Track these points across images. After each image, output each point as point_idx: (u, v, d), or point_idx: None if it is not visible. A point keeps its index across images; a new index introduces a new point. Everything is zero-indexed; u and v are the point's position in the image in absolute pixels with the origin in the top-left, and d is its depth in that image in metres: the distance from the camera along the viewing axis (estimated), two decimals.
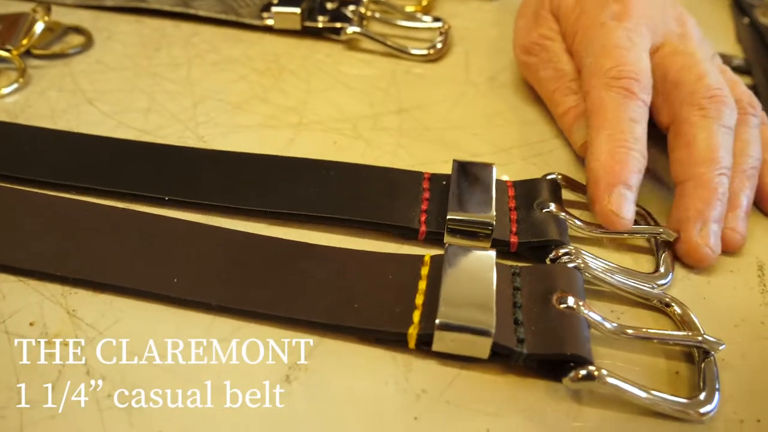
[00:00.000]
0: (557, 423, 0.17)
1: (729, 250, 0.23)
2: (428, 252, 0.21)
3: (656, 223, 0.24)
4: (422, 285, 0.19)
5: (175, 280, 0.20)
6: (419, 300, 0.19)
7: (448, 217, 0.21)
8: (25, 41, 0.31)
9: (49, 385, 0.17)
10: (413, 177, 0.24)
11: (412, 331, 0.18)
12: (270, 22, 0.34)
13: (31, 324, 0.19)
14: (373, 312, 0.19)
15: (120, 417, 0.17)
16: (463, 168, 0.23)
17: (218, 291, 0.19)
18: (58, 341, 0.18)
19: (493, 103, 0.31)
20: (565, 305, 0.19)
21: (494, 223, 0.21)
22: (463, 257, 0.20)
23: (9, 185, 0.23)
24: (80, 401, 0.17)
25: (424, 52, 0.34)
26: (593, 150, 0.23)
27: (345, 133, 0.28)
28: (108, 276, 0.20)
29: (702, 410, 0.18)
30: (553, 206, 0.23)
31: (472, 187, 0.22)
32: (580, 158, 0.28)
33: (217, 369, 0.18)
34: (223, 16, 0.35)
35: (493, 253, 0.20)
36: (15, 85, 0.29)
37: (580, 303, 0.19)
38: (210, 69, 0.32)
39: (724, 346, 0.19)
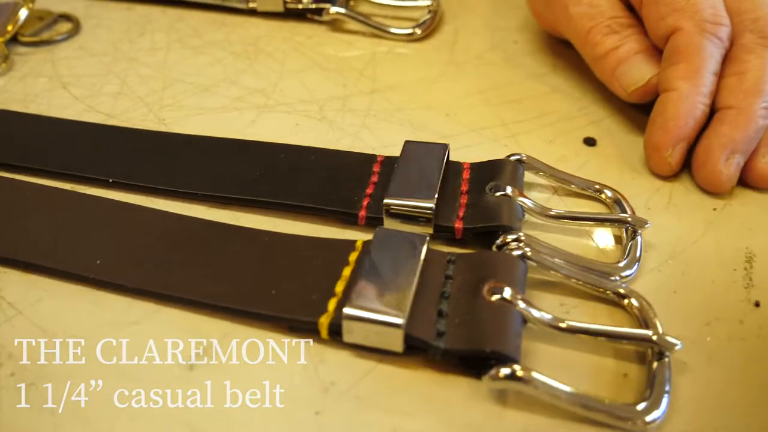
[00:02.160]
0: (473, 426, 0.16)
1: (765, 185, 0.23)
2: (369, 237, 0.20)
3: (632, 211, 0.21)
4: (347, 271, 0.18)
5: (98, 261, 0.19)
6: (339, 287, 0.18)
7: (384, 201, 0.20)
8: (9, 28, 0.31)
9: None
10: (364, 160, 0.23)
11: (324, 321, 0.17)
12: (253, 5, 0.34)
13: None
14: (289, 299, 0.18)
15: (18, 394, 0.16)
16: (413, 149, 0.22)
17: (137, 273, 0.19)
18: None
19: (473, 83, 0.29)
20: (498, 296, 0.17)
21: (433, 207, 0.19)
22: (393, 241, 0.18)
23: None
24: None
25: (409, 31, 0.32)
26: (672, 98, 0.23)
27: (310, 115, 0.27)
28: (32, 256, 0.19)
29: (647, 418, 0.16)
30: (509, 189, 0.21)
31: (419, 170, 0.21)
32: (557, 139, 0.25)
33: (108, 350, 0.17)
34: (209, 1, 0.35)
35: (425, 238, 0.18)
36: None
37: (516, 294, 0.17)
38: (188, 53, 0.31)
39: (680, 345, 0.17)
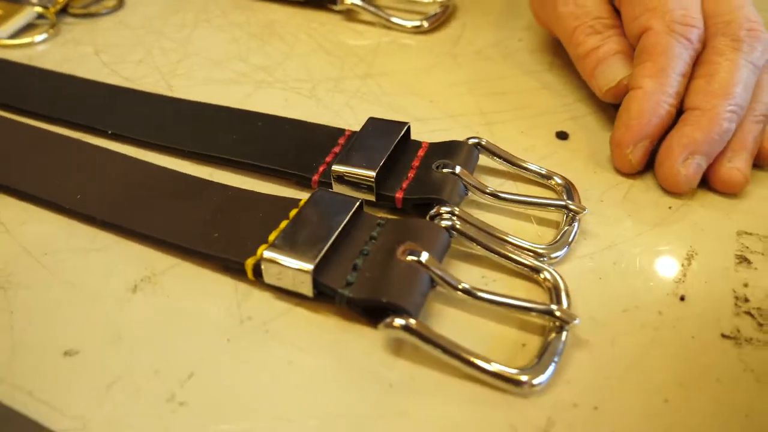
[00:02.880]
0: (363, 369, 0.17)
1: (731, 190, 0.23)
2: None
3: (578, 199, 0.22)
4: (283, 224, 0.20)
5: (78, 196, 0.22)
6: (272, 236, 0.19)
7: (332, 167, 0.21)
8: (61, 0, 0.35)
9: None
10: (331, 132, 0.24)
11: (249, 262, 0.19)
12: None
13: None
14: (227, 243, 0.20)
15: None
16: (375, 125, 0.23)
17: (107, 209, 0.21)
18: None
19: (465, 74, 0.30)
20: (412, 258, 0.18)
21: (374, 176, 0.21)
22: (327, 201, 0.20)
23: None
24: None
25: (417, 23, 0.33)
26: (636, 96, 0.23)
27: (301, 93, 0.29)
28: (27, 187, 0.22)
29: (527, 380, 0.16)
30: (457, 168, 0.22)
31: (373, 143, 0.22)
32: (530, 131, 0.26)
33: (82, 269, 0.20)
34: None
35: (355, 201, 0.20)
36: (45, 36, 0.33)
37: (428, 258, 0.18)
38: (210, 32, 0.34)
39: (578, 320, 0.17)
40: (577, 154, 0.25)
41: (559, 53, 0.31)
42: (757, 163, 0.24)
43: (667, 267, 0.20)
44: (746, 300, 0.19)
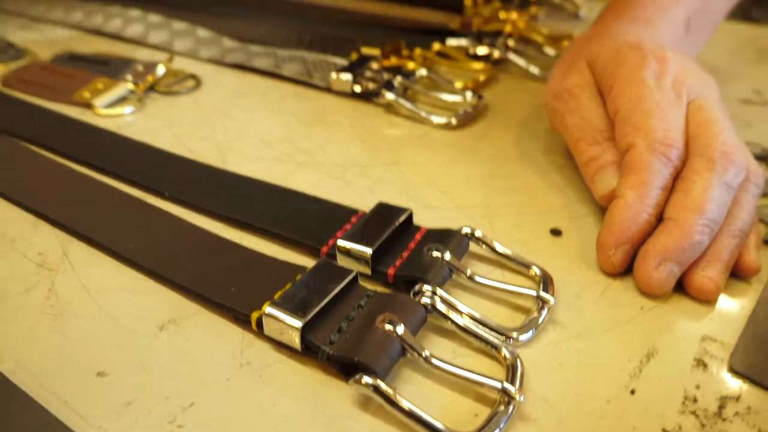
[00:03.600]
0: (334, 418, 0.20)
1: (704, 297, 0.25)
2: None
3: (552, 291, 0.25)
4: (288, 286, 0.23)
5: (131, 246, 0.26)
6: (277, 295, 0.23)
7: (338, 242, 0.25)
8: (149, 79, 0.42)
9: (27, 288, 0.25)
10: (347, 212, 0.28)
11: (254, 315, 0.22)
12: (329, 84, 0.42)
13: (39, 253, 0.27)
14: (240, 297, 0.23)
15: (51, 318, 0.23)
16: (382, 209, 0.27)
17: (152, 259, 0.26)
18: (47, 269, 0.26)
19: (481, 170, 0.34)
20: (389, 327, 0.21)
21: (370, 253, 0.24)
22: (328, 270, 0.23)
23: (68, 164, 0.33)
24: (36, 303, 0.24)
25: (446, 121, 0.38)
26: (619, 204, 0.26)
27: (333, 174, 0.33)
28: (94, 234, 0.27)
29: None
30: (447, 254, 0.25)
31: (377, 225, 0.26)
32: (527, 226, 0.29)
33: (124, 307, 0.24)
34: (299, 77, 0.43)
35: (351, 272, 0.23)
36: (132, 108, 0.40)
37: (403, 329, 0.21)
38: (268, 115, 0.39)
39: (522, 398, 0.20)
40: (566, 251, 0.28)
41: (570, 156, 0.34)
42: (738, 275, 0.26)
43: (626, 362, 0.22)
44: (695, 401, 0.21)
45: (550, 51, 0.47)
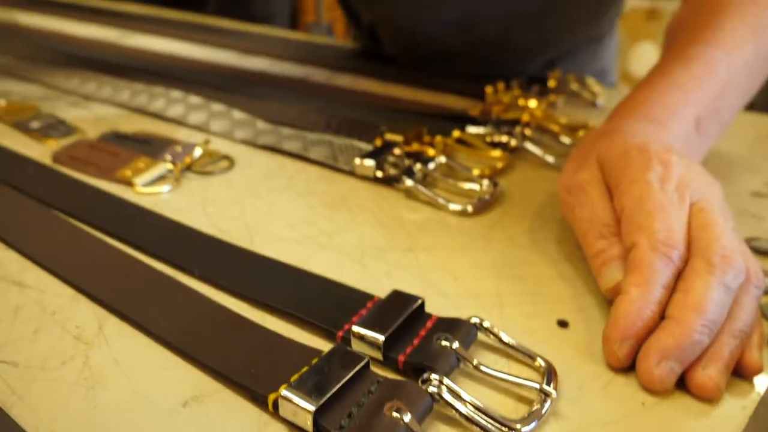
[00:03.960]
0: None
1: (704, 395, 0.25)
2: None
3: (555, 383, 0.26)
4: (305, 369, 0.25)
5: (161, 322, 0.28)
6: (294, 378, 0.24)
7: (353, 328, 0.27)
8: (187, 160, 0.45)
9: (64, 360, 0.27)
10: (362, 297, 0.30)
11: (271, 397, 0.24)
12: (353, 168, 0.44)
13: (76, 326, 0.29)
14: (259, 377, 0.25)
15: (84, 391, 0.25)
16: (396, 297, 0.29)
17: (180, 336, 0.28)
18: (83, 343, 0.28)
19: (493, 257, 0.35)
20: (396, 415, 0.23)
21: (383, 340, 0.26)
22: (341, 356, 0.25)
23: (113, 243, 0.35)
24: (70, 376, 0.26)
25: (461, 208, 0.40)
26: (624, 300, 0.27)
27: (352, 257, 0.35)
28: (128, 310, 0.29)
29: None
30: (456, 344, 0.26)
31: (391, 312, 0.28)
32: (536, 315, 0.30)
33: (152, 382, 0.26)
34: (324, 161, 0.46)
35: (363, 359, 0.25)
36: (169, 187, 0.43)
37: (409, 418, 0.23)
38: (293, 197, 0.42)
39: None
40: (572, 343, 0.29)
41: (580, 247, 0.36)
42: (741, 374, 0.27)
43: None
44: None
45: (566, 140, 0.50)
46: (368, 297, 0.30)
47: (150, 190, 0.42)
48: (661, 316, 0.27)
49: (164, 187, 0.43)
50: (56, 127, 0.53)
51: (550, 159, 0.47)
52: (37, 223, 0.38)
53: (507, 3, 0.62)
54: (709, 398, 0.26)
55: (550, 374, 0.26)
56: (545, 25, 0.64)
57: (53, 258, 0.34)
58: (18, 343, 0.28)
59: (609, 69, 0.76)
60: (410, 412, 0.23)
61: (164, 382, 0.26)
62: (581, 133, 0.51)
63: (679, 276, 0.28)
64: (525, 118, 0.52)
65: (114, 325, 0.29)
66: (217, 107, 0.56)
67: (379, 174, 0.43)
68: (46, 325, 0.29)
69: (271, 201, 0.41)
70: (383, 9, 0.67)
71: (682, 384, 0.26)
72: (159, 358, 0.27)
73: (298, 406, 0.23)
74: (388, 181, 0.43)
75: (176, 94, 0.59)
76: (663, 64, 0.40)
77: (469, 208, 0.40)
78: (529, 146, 0.48)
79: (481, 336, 0.28)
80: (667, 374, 0.26)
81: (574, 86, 0.63)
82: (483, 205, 0.40)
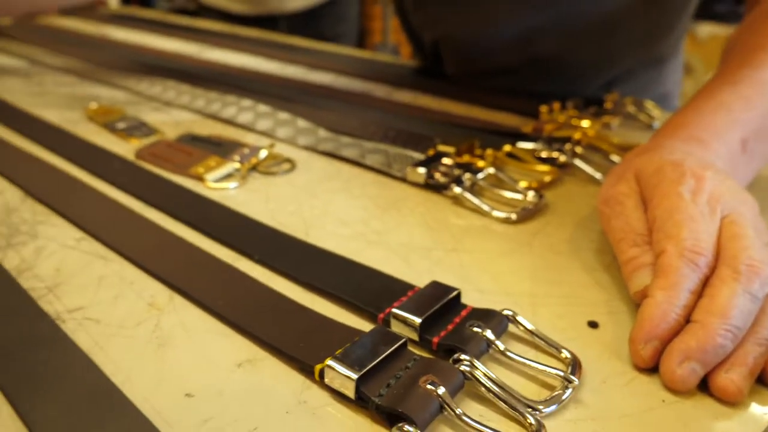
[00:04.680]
0: None
1: (726, 398, 0.26)
2: None
3: (579, 373, 0.27)
4: (348, 345, 0.28)
5: (220, 302, 0.32)
6: (338, 352, 0.27)
7: (392, 310, 0.29)
8: (253, 161, 0.49)
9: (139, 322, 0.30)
10: (404, 286, 0.33)
11: (317, 367, 0.27)
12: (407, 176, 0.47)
13: (151, 295, 0.33)
14: (307, 350, 0.28)
15: (155, 347, 0.29)
16: (434, 286, 0.31)
17: (236, 312, 0.31)
18: (156, 309, 0.32)
19: (532, 262, 0.37)
20: (431, 387, 0.25)
21: (419, 324, 0.28)
22: (381, 335, 0.28)
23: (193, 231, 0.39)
24: (144, 334, 0.30)
25: (506, 215, 0.42)
26: (650, 303, 0.29)
27: (398, 254, 0.38)
28: (193, 290, 0.33)
29: None
30: (488, 331, 0.29)
31: (428, 299, 0.30)
32: (567, 316, 0.32)
33: (213, 347, 0.29)
34: (380, 167, 0.49)
35: (400, 338, 0.27)
36: (236, 184, 0.47)
37: (442, 389, 0.25)
38: (348, 199, 0.45)
39: None
40: (600, 342, 0.30)
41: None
42: (766, 383, 0.28)
43: None
44: None
45: (616, 159, 0.51)
46: (409, 287, 0.33)
47: (219, 185, 0.46)
48: (687, 320, 0.28)
49: (231, 184, 0.47)
50: (139, 128, 0.58)
51: (598, 176, 0.48)
52: (119, 211, 0.42)
53: (565, 19, 0.63)
54: (731, 401, 0.27)
55: (574, 365, 0.28)
56: (603, 43, 0.66)
57: (130, 243, 0.38)
58: (101, 306, 0.32)
59: (671, 93, 0.75)
60: (443, 386, 0.25)
61: (222, 346, 0.29)
62: None
63: (706, 283, 0.29)
64: (577, 136, 0.54)
65: (181, 298, 0.33)
66: (283, 116, 0.60)
67: (430, 181, 0.45)
68: (125, 293, 0.33)
69: (327, 200, 0.45)
70: (444, 27, 0.70)
71: (705, 387, 0.27)
72: (219, 326, 0.31)
73: (342, 374, 0.25)
74: (438, 188, 0.46)
75: (247, 102, 0.63)
76: (711, 84, 0.41)
77: (513, 216, 0.42)
78: (579, 163, 0.50)
79: (512, 328, 0.30)
80: (689, 375, 0.27)
81: (631, 108, 0.64)
82: (527, 214, 0.42)
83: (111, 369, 0.27)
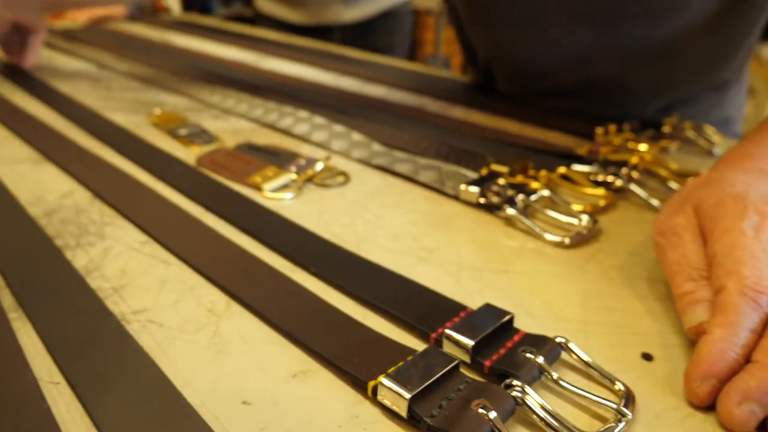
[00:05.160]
0: None
1: None
2: None
3: (632, 407, 0.27)
4: (401, 363, 0.28)
5: (277, 312, 0.33)
6: (391, 369, 0.28)
7: (445, 331, 0.30)
8: (309, 172, 0.50)
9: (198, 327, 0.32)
10: (457, 307, 0.33)
11: (370, 384, 0.27)
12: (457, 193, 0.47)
13: (210, 301, 0.34)
14: (360, 366, 0.28)
15: (213, 353, 0.30)
16: (487, 309, 0.31)
17: (291, 324, 0.32)
18: (215, 315, 0.33)
19: (585, 288, 0.37)
20: (483, 411, 0.25)
21: (472, 345, 0.29)
22: (434, 355, 0.28)
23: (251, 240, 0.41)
24: (203, 339, 0.31)
25: (559, 239, 0.42)
26: (708, 340, 0.28)
27: (449, 272, 0.38)
28: (250, 299, 0.34)
29: None
30: (540, 358, 0.29)
31: (482, 322, 0.30)
32: (621, 345, 0.32)
33: (270, 358, 0.30)
34: (432, 184, 0.50)
35: (454, 360, 0.28)
36: (292, 195, 0.48)
37: (494, 415, 0.25)
38: (399, 213, 0.46)
39: None
40: (654, 376, 0.30)
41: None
42: None
43: None
44: None
45: (674, 185, 0.50)
46: (462, 307, 0.33)
47: (275, 195, 0.48)
48: (746, 360, 0.28)
49: (287, 194, 0.48)
50: (200, 135, 0.60)
51: (654, 202, 0.48)
52: (180, 216, 0.44)
53: (623, 42, 0.62)
54: None
55: (628, 398, 0.27)
56: (662, 66, 0.64)
57: (191, 248, 0.39)
58: (163, 309, 0.33)
59: (734, 119, 0.73)
60: (495, 411, 0.25)
61: (278, 356, 0.30)
62: (690, 180, 0.51)
63: (767, 321, 0.28)
64: (634, 160, 0.53)
65: (238, 305, 0.34)
66: (338, 128, 0.61)
67: (482, 200, 0.46)
68: (185, 297, 0.35)
69: (379, 214, 0.45)
70: (499, 44, 0.70)
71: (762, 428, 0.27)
72: (274, 336, 0.32)
73: (396, 392, 0.26)
74: (490, 208, 0.46)
75: (303, 113, 0.65)
76: None
77: (567, 240, 0.41)
78: (634, 188, 0.49)
79: (564, 356, 0.30)
80: (748, 416, 0.26)
81: (690, 133, 0.62)
82: (580, 239, 0.42)
83: (172, 372, 0.29)
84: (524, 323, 0.33)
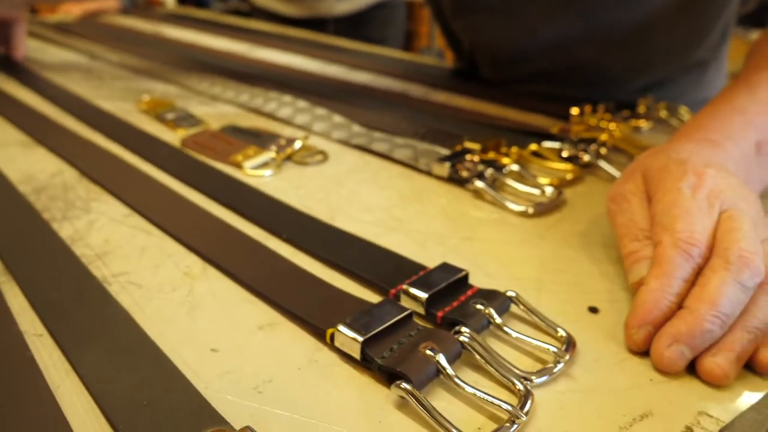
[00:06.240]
0: (372, 407, 0.26)
1: (712, 381, 0.28)
2: None
3: (572, 350, 0.29)
4: (357, 312, 0.30)
5: (248, 273, 0.35)
6: (349, 319, 0.30)
7: (402, 285, 0.32)
8: (288, 151, 0.52)
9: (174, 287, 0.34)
10: (416, 266, 0.35)
11: (329, 331, 0.29)
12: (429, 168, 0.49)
13: (186, 266, 0.36)
14: (322, 316, 0.31)
15: (187, 309, 0.32)
16: (444, 268, 0.34)
17: (262, 284, 0.34)
18: (190, 278, 0.35)
19: (543, 253, 0.39)
20: (430, 353, 0.28)
21: (425, 299, 0.31)
22: (389, 306, 0.30)
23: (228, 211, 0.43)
24: (178, 298, 0.33)
25: (523, 209, 0.44)
26: (644, 290, 0.30)
27: (416, 240, 0.40)
28: (224, 263, 0.36)
29: None
30: (491, 309, 0.31)
31: (437, 277, 0.32)
32: (571, 301, 0.34)
33: (231, 308, 0.32)
34: (407, 161, 0.52)
35: (407, 310, 0.30)
36: (271, 172, 0.50)
37: (442, 357, 0.27)
38: (374, 188, 0.48)
39: (524, 417, 0.25)
40: (598, 326, 0.32)
41: None
42: (755, 369, 0.29)
43: (620, 416, 0.26)
44: None
45: None
46: (421, 267, 0.35)
47: (255, 173, 0.50)
48: (679, 307, 0.30)
49: (267, 172, 0.50)
50: (186, 119, 0.62)
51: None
52: (163, 192, 0.46)
53: (600, 26, 0.64)
54: (716, 384, 0.28)
55: (569, 343, 0.30)
56: (638, 49, 0.66)
57: (172, 220, 0.41)
58: (142, 272, 0.36)
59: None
60: (442, 353, 0.27)
61: (247, 311, 0.32)
62: None
63: (699, 273, 0.30)
64: (603, 137, 0.55)
65: (213, 269, 0.36)
66: (320, 111, 0.63)
67: (453, 175, 0.48)
68: (164, 262, 0.37)
69: (354, 190, 0.48)
70: (482, 34, 0.72)
71: (694, 371, 0.29)
72: (245, 294, 0.34)
73: (350, 337, 0.28)
74: (461, 182, 0.48)
75: (287, 98, 0.67)
76: (729, 89, 0.42)
77: (530, 210, 0.43)
78: (602, 163, 0.51)
79: (514, 309, 0.32)
80: (677, 357, 0.28)
81: (663, 113, 0.64)
82: (543, 209, 0.44)
83: (148, 325, 0.31)
84: (481, 282, 0.35)
